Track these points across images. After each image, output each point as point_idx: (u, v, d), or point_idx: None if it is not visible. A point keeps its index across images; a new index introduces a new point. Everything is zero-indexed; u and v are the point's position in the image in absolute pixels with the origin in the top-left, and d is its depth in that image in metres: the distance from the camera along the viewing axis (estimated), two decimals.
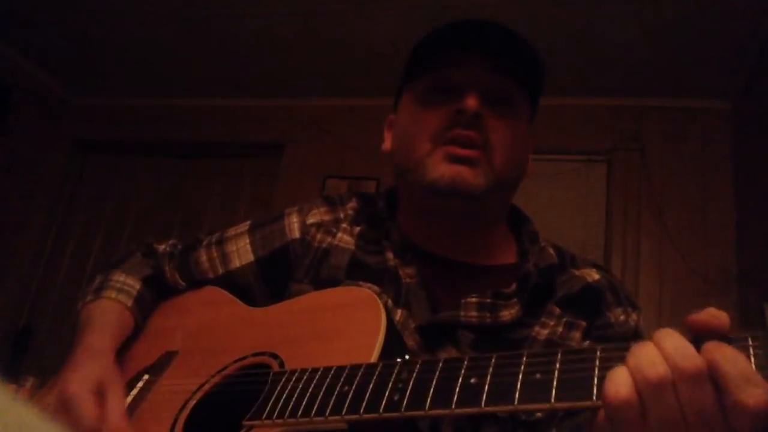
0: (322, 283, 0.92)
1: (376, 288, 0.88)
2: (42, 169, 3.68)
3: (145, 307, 1.00)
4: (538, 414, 0.78)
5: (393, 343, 0.72)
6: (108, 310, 0.95)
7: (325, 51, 3.12)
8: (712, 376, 0.48)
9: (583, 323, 0.87)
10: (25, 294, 3.57)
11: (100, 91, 3.77)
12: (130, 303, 0.97)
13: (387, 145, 0.99)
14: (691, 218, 2.86)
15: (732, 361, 0.48)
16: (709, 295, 2.72)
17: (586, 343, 0.86)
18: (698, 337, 0.51)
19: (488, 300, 0.85)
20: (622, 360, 0.52)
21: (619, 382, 0.49)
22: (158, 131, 3.71)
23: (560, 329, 0.86)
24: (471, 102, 0.84)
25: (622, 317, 0.87)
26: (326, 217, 0.99)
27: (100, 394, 0.77)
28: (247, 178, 3.59)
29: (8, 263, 3.51)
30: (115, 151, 3.85)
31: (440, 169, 0.84)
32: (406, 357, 0.68)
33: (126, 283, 0.99)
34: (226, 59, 3.30)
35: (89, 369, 0.80)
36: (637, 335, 0.88)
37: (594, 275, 0.92)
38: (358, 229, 0.97)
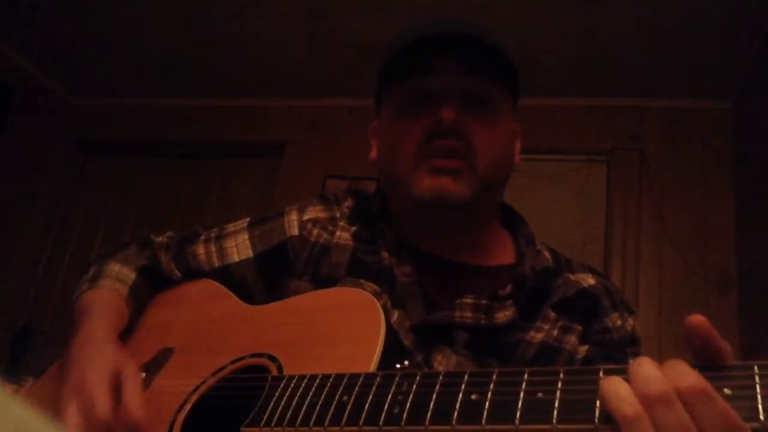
0: (322, 280, 0.92)
1: (376, 288, 0.88)
2: (42, 169, 3.68)
3: (139, 297, 0.99)
4: None
5: (392, 348, 0.72)
6: (105, 298, 0.94)
7: (325, 51, 3.12)
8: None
9: (579, 327, 0.87)
10: (25, 294, 3.57)
11: (100, 91, 3.77)
12: (125, 292, 0.96)
13: (374, 154, 0.99)
14: (691, 218, 2.86)
15: (672, 362, 0.50)
16: (709, 295, 2.72)
17: (585, 347, 0.86)
18: (703, 363, 0.52)
19: (484, 301, 0.85)
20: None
21: None
22: (158, 131, 3.71)
23: (555, 333, 0.86)
24: (447, 113, 0.83)
25: (618, 322, 0.88)
26: (322, 215, 0.99)
27: (116, 380, 0.76)
28: (247, 178, 3.59)
29: (8, 263, 3.51)
30: (115, 151, 3.85)
31: (424, 184, 0.84)
32: (405, 363, 0.68)
33: (121, 272, 0.98)
34: (227, 59, 3.30)
35: (103, 355, 0.80)
36: (633, 340, 0.88)
37: (589, 280, 0.92)
38: (354, 228, 0.97)
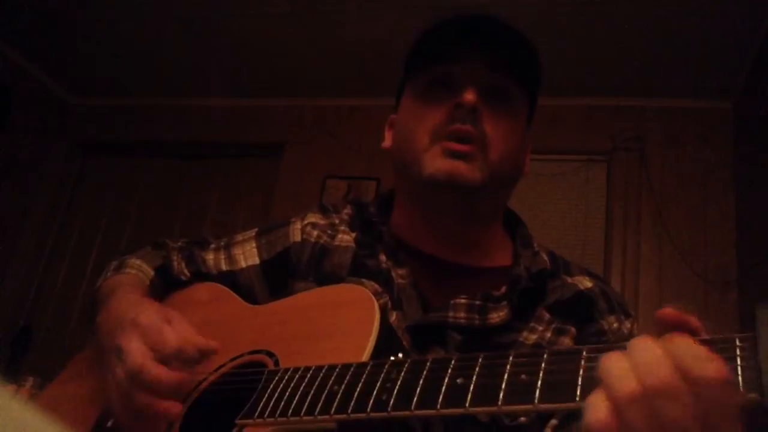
0: (325, 280, 0.93)
1: (376, 286, 0.89)
2: (42, 169, 3.68)
3: (156, 292, 1.01)
4: (522, 419, 0.78)
5: (387, 342, 0.72)
6: (132, 280, 0.98)
7: (325, 51, 3.12)
8: (674, 364, 0.48)
9: (573, 329, 0.87)
10: (25, 294, 3.57)
11: (100, 91, 3.77)
12: (147, 282, 1.00)
13: (387, 142, 1.00)
14: (691, 218, 2.86)
15: (685, 346, 0.48)
16: (709, 295, 2.72)
17: None
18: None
19: (477, 301, 0.85)
20: None
21: (597, 407, 0.49)
22: (158, 131, 3.71)
23: (549, 334, 0.86)
24: (469, 96, 0.85)
25: (615, 325, 0.87)
26: (321, 221, 1.02)
27: (169, 322, 0.78)
28: (247, 178, 3.59)
29: (8, 263, 3.51)
30: (115, 151, 3.86)
31: (437, 164, 0.86)
32: (399, 355, 0.69)
33: (142, 266, 1.02)
34: (227, 59, 3.30)
35: (149, 306, 0.82)
36: None
37: (587, 283, 0.92)
38: (354, 234, 0.99)
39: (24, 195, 3.59)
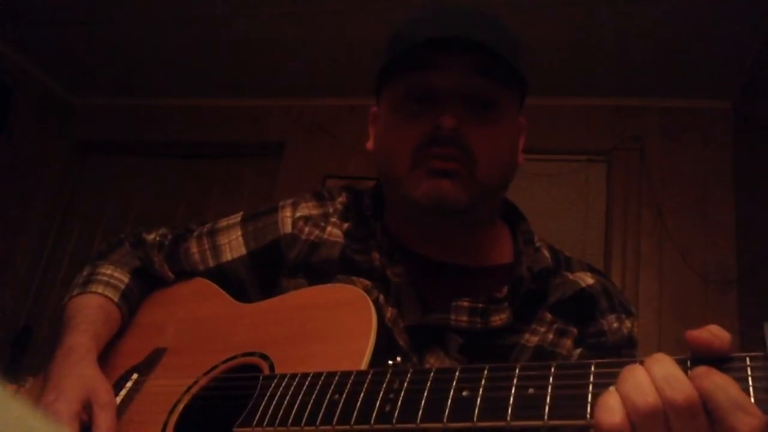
0: (314, 276, 0.90)
1: (368, 283, 0.87)
2: (42, 169, 3.67)
3: (132, 300, 0.98)
4: None
5: (384, 344, 0.71)
6: (93, 306, 0.93)
7: (325, 51, 3.12)
8: (704, 404, 0.48)
9: (575, 330, 0.85)
10: (25, 294, 3.57)
11: (100, 91, 3.76)
12: (116, 298, 0.95)
13: (370, 144, 0.96)
14: (691, 218, 2.86)
15: (723, 388, 0.47)
16: (709, 295, 2.72)
17: (578, 350, 0.84)
18: (696, 355, 0.51)
19: (480, 305, 0.83)
20: (616, 377, 0.52)
21: (612, 410, 0.49)
22: (158, 131, 3.71)
23: (551, 336, 0.85)
24: (447, 120, 0.79)
25: (615, 324, 0.86)
26: (314, 212, 0.98)
27: (87, 407, 0.76)
28: (247, 178, 3.58)
29: (8, 263, 3.51)
30: (115, 151, 3.85)
31: (422, 187, 0.81)
32: (398, 359, 0.67)
33: (113, 276, 0.97)
34: (226, 59, 3.30)
35: (73, 383, 0.79)
36: (630, 343, 0.86)
37: (588, 279, 0.90)
38: (346, 225, 0.95)
39: (24, 195, 3.59)
